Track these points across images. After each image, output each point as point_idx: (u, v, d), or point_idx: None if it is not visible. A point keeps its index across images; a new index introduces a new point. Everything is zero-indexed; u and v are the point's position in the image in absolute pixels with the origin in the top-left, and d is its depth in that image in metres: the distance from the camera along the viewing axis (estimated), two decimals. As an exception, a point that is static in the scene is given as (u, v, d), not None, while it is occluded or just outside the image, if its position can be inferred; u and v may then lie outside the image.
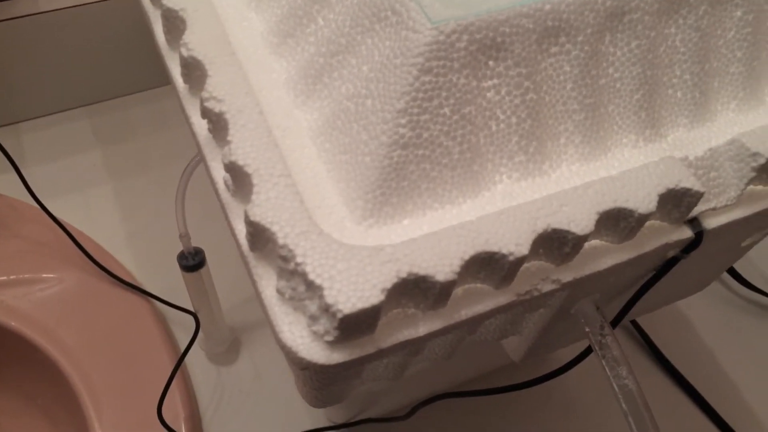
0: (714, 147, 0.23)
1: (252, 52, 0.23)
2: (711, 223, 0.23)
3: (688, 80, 0.23)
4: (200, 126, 0.22)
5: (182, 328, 0.46)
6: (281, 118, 0.22)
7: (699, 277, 0.31)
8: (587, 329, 0.24)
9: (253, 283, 0.20)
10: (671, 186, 0.21)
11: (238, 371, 0.46)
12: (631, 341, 0.50)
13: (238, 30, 0.24)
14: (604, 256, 0.22)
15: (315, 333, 0.19)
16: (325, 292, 0.18)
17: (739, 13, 0.23)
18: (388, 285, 0.18)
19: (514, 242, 0.19)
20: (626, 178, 0.21)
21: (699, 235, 0.23)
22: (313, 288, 0.18)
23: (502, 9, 0.20)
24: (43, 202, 0.45)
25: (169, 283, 0.45)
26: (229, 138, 0.20)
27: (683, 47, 0.23)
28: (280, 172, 0.20)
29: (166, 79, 0.34)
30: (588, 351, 0.27)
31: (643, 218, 0.21)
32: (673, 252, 0.24)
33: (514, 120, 0.21)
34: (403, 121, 0.20)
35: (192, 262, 0.41)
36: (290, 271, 0.19)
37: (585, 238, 0.20)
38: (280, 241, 0.18)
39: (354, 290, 0.18)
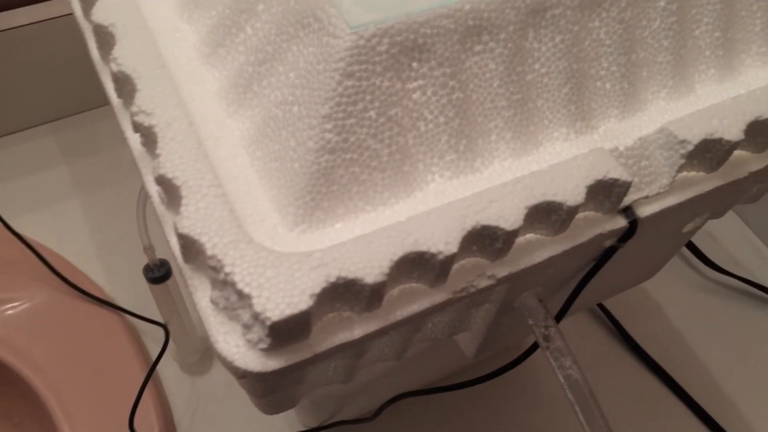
0: (644, 136, 0.23)
1: (185, 64, 0.23)
2: (645, 211, 0.23)
3: (616, 72, 0.23)
4: (134, 140, 0.22)
5: (154, 340, 0.47)
6: (214, 127, 0.22)
7: (646, 264, 0.31)
8: (531, 322, 0.25)
9: (190, 294, 0.21)
10: (599, 177, 0.21)
11: (212, 380, 0.46)
12: (602, 327, 0.50)
13: (170, 42, 0.24)
14: (539, 249, 0.22)
15: (249, 341, 0.19)
16: (254, 301, 0.18)
17: (662, 3, 0.23)
18: (317, 290, 0.18)
19: (444, 241, 0.20)
20: (555, 171, 0.21)
21: (633, 224, 0.23)
22: (243, 297, 0.18)
23: (421, 11, 0.20)
24: (12, 220, 0.45)
25: (140, 295, 0.46)
26: (158, 151, 0.20)
27: (608, 40, 0.23)
28: (209, 182, 0.20)
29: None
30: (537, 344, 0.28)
31: (573, 210, 0.21)
32: (610, 241, 0.24)
33: (442, 119, 0.21)
34: (328, 126, 0.20)
35: (157, 273, 0.42)
36: (221, 281, 0.19)
37: (515, 233, 0.21)
38: (209, 252, 0.19)
39: (283, 297, 0.18)
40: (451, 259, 0.20)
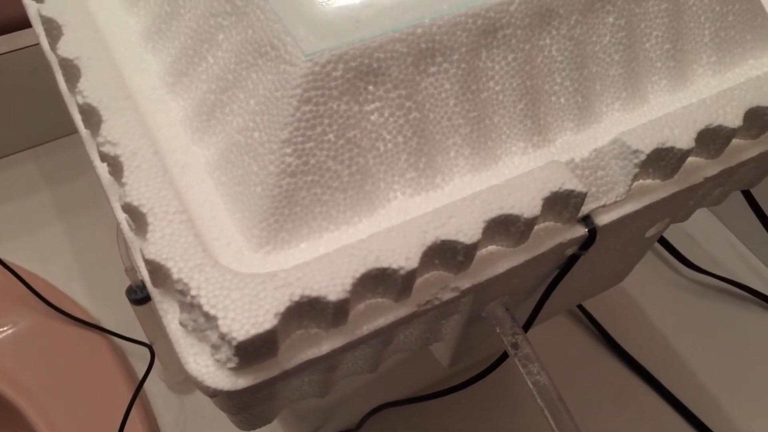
0: (599, 147, 0.24)
1: (150, 93, 0.24)
2: (603, 219, 0.24)
3: (569, 86, 0.24)
4: (102, 169, 0.23)
5: (141, 360, 0.47)
6: (180, 155, 0.23)
7: (612, 269, 0.32)
8: (498, 330, 0.25)
9: (161, 317, 0.21)
10: (555, 189, 0.22)
11: (199, 398, 0.46)
12: (583, 329, 0.51)
13: (136, 72, 0.24)
14: (501, 260, 0.23)
15: (218, 361, 0.20)
16: (220, 322, 0.19)
17: (611, 19, 0.24)
18: (282, 309, 0.19)
19: (404, 256, 0.20)
20: (512, 185, 0.22)
21: (592, 232, 0.24)
22: (209, 318, 0.19)
23: (374, 36, 0.21)
24: (-5, 247, 0.45)
25: (125, 316, 0.46)
26: (124, 180, 0.21)
27: (560, 56, 0.24)
28: (174, 209, 0.20)
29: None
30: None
31: (531, 222, 0.22)
32: (571, 250, 0.25)
33: (400, 139, 0.22)
34: (288, 150, 0.21)
35: (140, 295, 0.42)
36: (188, 303, 0.19)
37: (475, 246, 0.21)
38: (175, 276, 0.19)
39: (248, 317, 0.19)
40: (413, 274, 0.21)
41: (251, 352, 0.19)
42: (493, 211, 0.21)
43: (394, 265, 0.20)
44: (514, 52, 0.23)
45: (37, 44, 0.51)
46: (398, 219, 0.22)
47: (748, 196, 0.49)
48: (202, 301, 0.19)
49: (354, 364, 0.26)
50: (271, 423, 0.26)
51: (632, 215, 0.24)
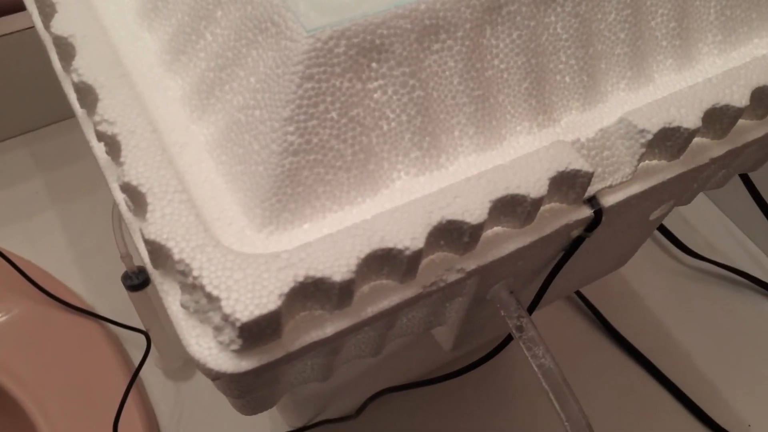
0: (605, 127, 0.23)
1: (147, 72, 0.24)
2: (609, 200, 0.24)
3: (574, 65, 0.24)
4: (99, 149, 0.22)
5: (137, 347, 0.47)
6: (179, 134, 0.22)
7: (616, 252, 0.32)
8: (503, 313, 0.25)
9: (161, 299, 0.21)
10: (561, 169, 0.22)
11: (196, 385, 0.46)
12: (582, 315, 0.51)
13: (132, 51, 0.24)
14: (507, 241, 0.23)
15: (221, 343, 0.19)
16: (223, 303, 0.18)
17: (617, -4, 0.24)
18: (286, 290, 0.19)
19: (410, 237, 0.20)
20: (518, 165, 0.22)
21: (598, 213, 0.24)
22: (212, 299, 0.19)
23: (377, 12, 0.20)
24: (-13, 233, 0.44)
25: (120, 303, 0.46)
26: (122, 159, 0.20)
27: (565, 34, 0.23)
28: (174, 188, 0.20)
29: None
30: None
31: (537, 202, 0.22)
32: (577, 231, 0.24)
33: (404, 118, 0.22)
34: (290, 128, 0.20)
35: (136, 281, 0.42)
36: (190, 284, 0.19)
37: (481, 226, 0.21)
38: (177, 257, 0.19)
39: (251, 298, 0.18)
40: (418, 255, 0.20)
41: (255, 333, 0.19)
42: (499, 191, 0.21)
43: (400, 246, 0.20)
44: (518, 30, 0.23)
45: (28, 29, 0.51)
46: (402, 199, 0.22)
47: (747, 183, 0.49)
48: (205, 281, 0.18)
49: (357, 348, 0.26)
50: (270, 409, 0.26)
51: (638, 196, 0.24)
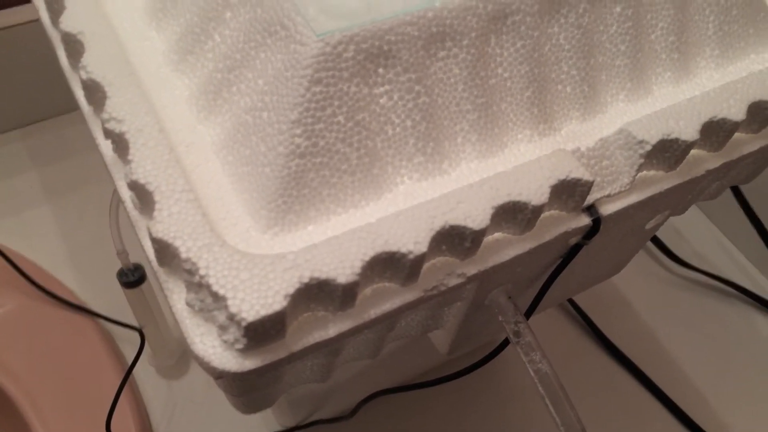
0: (604, 137, 0.24)
1: (154, 71, 0.24)
2: (607, 209, 0.24)
3: (576, 75, 0.24)
4: (106, 147, 0.23)
5: (130, 344, 0.46)
6: (185, 134, 0.22)
7: (612, 260, 0.32)
8: (501, 318, 0.25)
9: (166, 297, 0.21)
10: (562, 177, 0.22)
11: (189, 383, 0.46)
12: (573, 323, 0.52)
13: (139, 50, 0.24)
14: (507, 247, 0.23)
15: (226, 342, 0.19)
16: (229, 302, 0.18)
17: (618, 9, 0.24)
18: (291, 291, 0.19)
19: (413, 241, 0.20)
20: (520, 172, 0.22)
21: (597, 222, 0.24)
22: (218, 299, 0.19)
23: (386, 18, 0.21)
24: (-20, 227, 0.44)
25: (114, 300, 0.45)
26: (130, 157, 0.20)
27: (567, 44, 0.24)
28: (181, 187, 0.20)
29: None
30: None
31: (538, 210, 0.22)
32: (575, 239, 0.25)
33: (409, 123, 0.22)
34: (298, 131, 0.20)
35: (132, 278, 0.42)
36: (196, 283, 0.19)
37: (483, 232, 0.21)
38: (183, 255, 0.19)
39: (257, 298, 0.19)
40: (421, 259, 0.20)
41: (260, 333, 0.19)
42: (501, 198, 0.21)
43: (403, 249, 0.20)
44: (522, 39, 0.23)
45: (22, 24, 0.50)
46: (405, 203, 0.22)
47: (738, 194, 0.50)
48: (211, 281, 0.19)
49: (356, 350, 0.26)
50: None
51: (635, 206, 0.25)
